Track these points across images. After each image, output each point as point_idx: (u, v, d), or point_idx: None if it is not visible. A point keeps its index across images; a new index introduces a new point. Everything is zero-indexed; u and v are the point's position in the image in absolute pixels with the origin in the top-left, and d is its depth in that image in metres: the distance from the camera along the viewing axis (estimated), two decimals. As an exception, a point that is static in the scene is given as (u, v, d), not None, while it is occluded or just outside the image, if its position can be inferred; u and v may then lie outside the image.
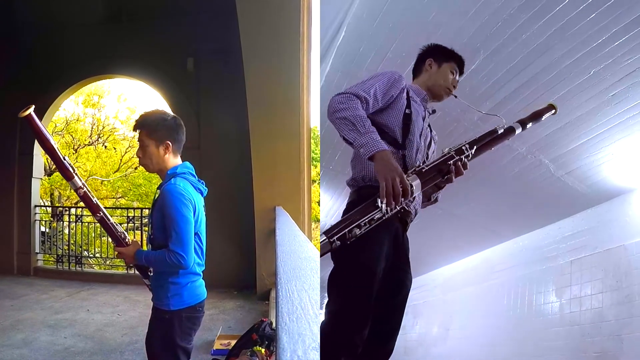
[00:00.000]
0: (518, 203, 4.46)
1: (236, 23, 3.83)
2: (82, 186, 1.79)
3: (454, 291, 6.27)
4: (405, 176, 1.46)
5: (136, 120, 1.82)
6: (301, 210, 4.50)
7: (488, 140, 1.72)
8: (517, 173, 3.89)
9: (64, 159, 1.77)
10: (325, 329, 1.44)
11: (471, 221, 4.86)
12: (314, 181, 7.16)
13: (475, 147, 1.66)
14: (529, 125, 1.81)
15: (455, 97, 1.86)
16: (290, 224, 3.11)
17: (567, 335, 4.20)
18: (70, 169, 1.77)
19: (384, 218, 1.48)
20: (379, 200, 1.45)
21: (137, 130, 1.79)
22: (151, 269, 1.83)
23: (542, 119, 1.85)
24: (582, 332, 4.06)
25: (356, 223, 1.43)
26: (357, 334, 1.46)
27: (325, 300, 1.56)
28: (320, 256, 1.41)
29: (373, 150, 1.45)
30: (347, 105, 1.52)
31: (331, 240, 1.39)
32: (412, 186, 1.47)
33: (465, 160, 1.63)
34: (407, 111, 1.69)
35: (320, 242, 1.40)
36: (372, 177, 1.57)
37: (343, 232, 1.41)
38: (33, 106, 1.68)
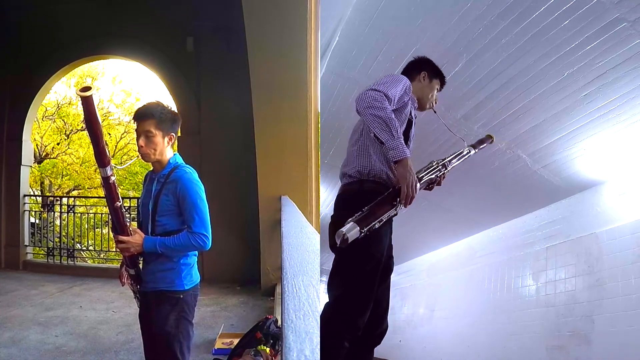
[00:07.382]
0: (498, 194, 4.63)
1: (239, -2, 3.44)
2: (113, 174, 1.72)
3: (438, 275, 6.49)
4: None
5: (142, 109, 1.81)
6: (309, 199, 4.13)
7: (459, 159, 1.92)
8: (497, 167, 4.05)
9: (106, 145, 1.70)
10: (329, 311, 1.59)
11: (454, 211, 5.02)
12: (322, 169, 6.85)
13: (452, 164, 1.86)
14: (478, 149, 2.04)
15: (435, 112, 2.03)
16: (297, 214, 2.94)
17: (542, 315, 4.37)
18: (109, 155, 1.71)
19: (393, 215, 1.64)
20: (398, 200, 1.58)
21: (144, 119, 1.77)
22: (141, 258, 1.85)
23: (484, 145, 2.07)
24: (556, 313, 4.22)
25: (379, 218, 1.55)
26: (361, 318, 1.61)
27: (323, 285, 1.74)
28: (348, 244, 1.48)
29: (402, 156, 1.58)
30: (382, 105, 1.60)
31: (362, 231, 1.50)
32: None
33: (446, 173, 1.83)
34: (410, 118, 1.83)
35: (350, 232, 1.47)
36: (376, 174, 1.71)
37: (372, 225, 1.52)
38: (96, 88, 1.53)
